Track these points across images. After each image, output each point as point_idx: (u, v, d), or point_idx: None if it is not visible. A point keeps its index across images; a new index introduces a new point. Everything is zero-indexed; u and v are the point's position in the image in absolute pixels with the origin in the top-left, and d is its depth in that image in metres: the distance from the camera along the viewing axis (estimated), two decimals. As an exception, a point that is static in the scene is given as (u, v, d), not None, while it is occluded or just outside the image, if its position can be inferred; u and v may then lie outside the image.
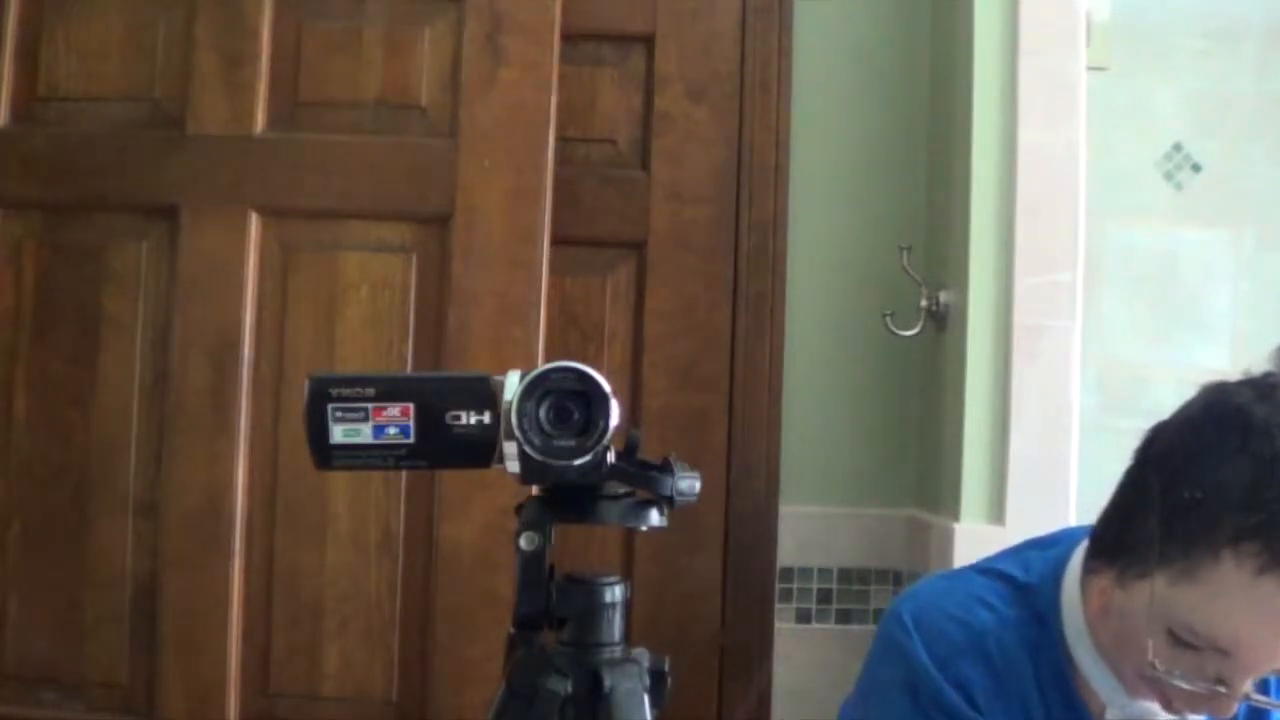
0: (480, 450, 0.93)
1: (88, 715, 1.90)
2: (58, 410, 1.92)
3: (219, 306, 1.91)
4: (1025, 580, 1.28)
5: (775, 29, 2.12)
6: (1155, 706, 1.19)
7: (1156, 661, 1.12)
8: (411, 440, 0.94)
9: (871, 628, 1.83)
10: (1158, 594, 1.12)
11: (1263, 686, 1.25)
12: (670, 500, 0.94)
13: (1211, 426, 1.14)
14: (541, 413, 0.91)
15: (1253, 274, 2.13)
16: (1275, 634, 1.11)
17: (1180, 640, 1.12)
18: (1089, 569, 1.22)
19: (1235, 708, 1.15)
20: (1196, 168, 2.12)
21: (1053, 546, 1.32)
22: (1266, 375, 1.16)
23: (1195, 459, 1.13)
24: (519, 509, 0.95)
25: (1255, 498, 1.08)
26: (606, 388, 0.91)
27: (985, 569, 1.34)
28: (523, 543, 0.93)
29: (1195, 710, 1.17)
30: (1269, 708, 1.25)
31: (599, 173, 2.11)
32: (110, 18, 1.96)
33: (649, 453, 0.95)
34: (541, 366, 0.92)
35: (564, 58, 1.95)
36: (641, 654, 0.97)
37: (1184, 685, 1.12)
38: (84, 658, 1.90)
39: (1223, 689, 1.12)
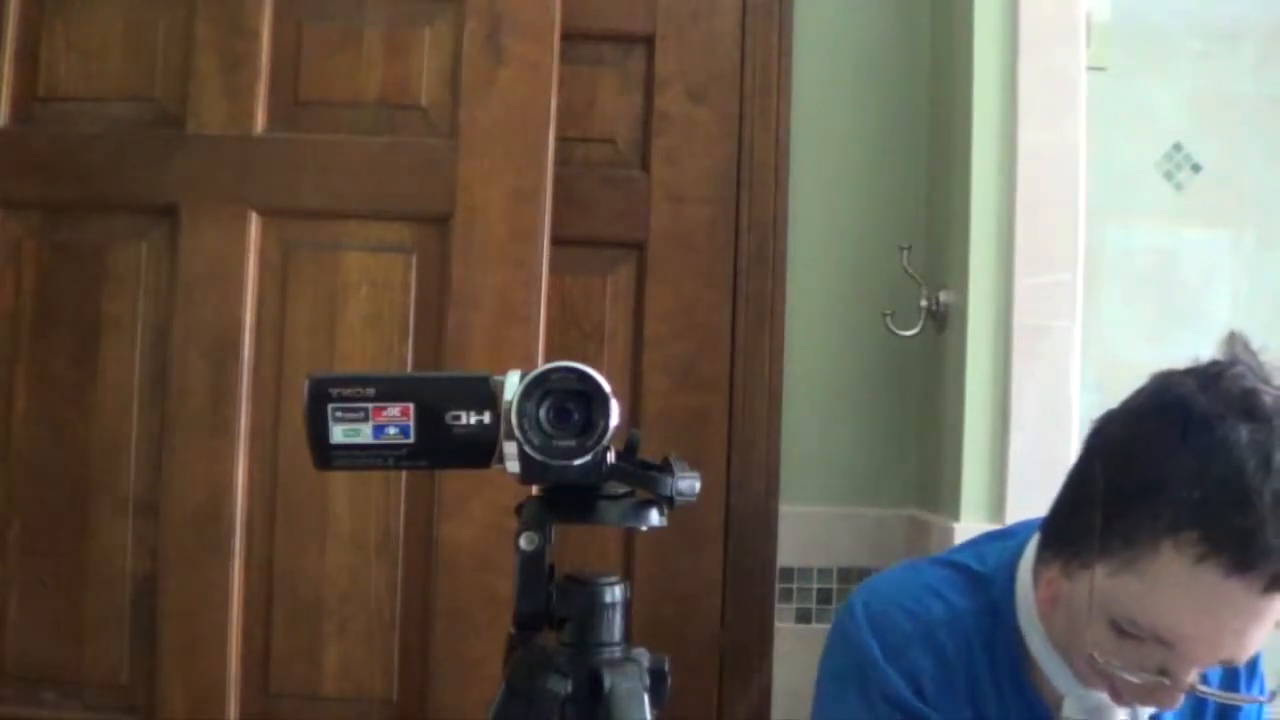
0: (480, 450, 0.93)
1: (88, 715, 1.90)
2: (58, 410, 1.92)
3: (219, 306, 1.91)
4: (980, 571, 1.28)
5: (775, 29, 2.12)
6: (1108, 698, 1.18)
7: (1096, 653, 1.12)
8: (411, 440, 0.93)
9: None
10: (1099, 584, 1.12)
11: (1232, 680, 1.26)
12: (670, 500, 0.93)
13: (1153, 417, 1.14)
14: (541, 413, 0.91)
15: (1253, 274, 2.13)
16: (1215, 625, 1.10)
17: (1123, 631, 1.12)
18: (1040, 559, 1.22)
19: (1180, 700, 1.15)
20: (1196, 168, 2.12)
21: (1010, 538, 1.32)
22: (1211, 364, 1.16)
23: (1137, 450, 1.13)
24: (519, 509, 0.95)
25: (1194, 489, 1.08)
26: (606, 388, 0.91)
27: (942, 560, 1.34)
28: (523, 543, 0.93)
29: (1143, 702, 1.16)
30: (1215, 699, 1.25)
31: (599, 173, 2.11)
32: (110, 17, 1.95)
33: (649, 453, 0.95)
34: (541, 366, 0.92)
35: (564, 58, 1.95)
36: (641, 654, 0.97)
37: (1128, 677, 1.12)
38: (84, 658, 1.90)
39: (1166, 680, 1.12)
